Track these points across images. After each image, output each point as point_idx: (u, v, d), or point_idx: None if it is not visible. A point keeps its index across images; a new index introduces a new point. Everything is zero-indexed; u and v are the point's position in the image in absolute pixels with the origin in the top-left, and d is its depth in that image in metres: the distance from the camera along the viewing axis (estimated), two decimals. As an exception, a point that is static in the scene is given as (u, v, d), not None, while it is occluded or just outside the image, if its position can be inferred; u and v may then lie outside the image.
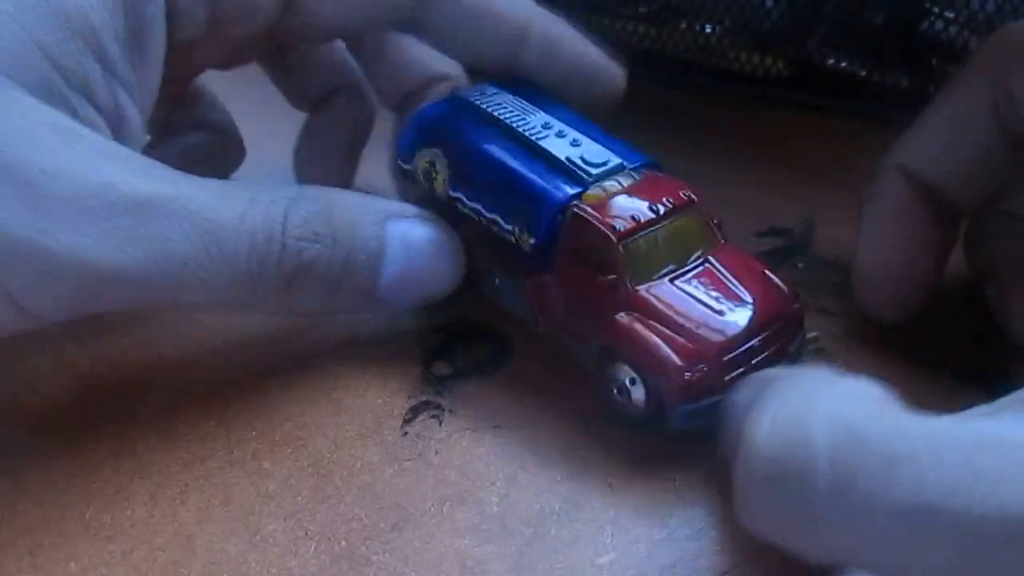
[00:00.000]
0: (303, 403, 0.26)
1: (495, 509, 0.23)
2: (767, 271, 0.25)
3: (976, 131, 0.26)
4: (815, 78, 0.42)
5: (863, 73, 0.41)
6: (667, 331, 0.23)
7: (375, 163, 0.33)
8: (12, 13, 0.22)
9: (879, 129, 0.27)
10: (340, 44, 0.34)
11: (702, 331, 0.23)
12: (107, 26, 0.23)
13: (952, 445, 0.16)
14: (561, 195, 0.25)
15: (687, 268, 0.24)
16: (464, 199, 0.26)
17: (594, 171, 0.25)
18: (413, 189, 0.28)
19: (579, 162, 0.25)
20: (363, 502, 0.23)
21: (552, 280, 0.25)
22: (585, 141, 0.26)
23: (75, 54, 0.23)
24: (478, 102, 0.27)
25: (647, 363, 0.23)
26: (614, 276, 0.24)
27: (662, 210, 0.25)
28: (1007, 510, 0.14)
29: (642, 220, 0.24)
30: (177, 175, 0.23)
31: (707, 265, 0.25)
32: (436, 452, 0.24)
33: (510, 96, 0.28)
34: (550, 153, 0.26)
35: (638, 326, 0.23)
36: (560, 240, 0.25)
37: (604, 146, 0.26)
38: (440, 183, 0.27)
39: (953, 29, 0.38)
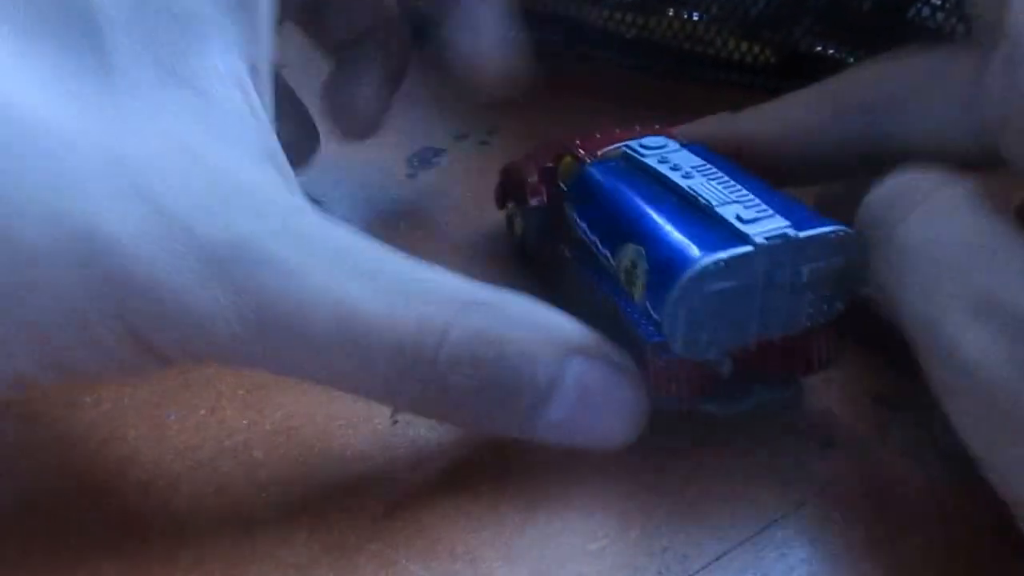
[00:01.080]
0: (294, 392, 0.26)
1: (487, 496, 0.23)
2: None
3: None
4: (802, 66, 0.42)
5: (851, 60, 0.41)
6: None
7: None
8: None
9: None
10: None
11: None
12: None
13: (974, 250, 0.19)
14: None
15: None
16: None
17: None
18: None
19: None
20: (355, 491, 0.23)
21: None
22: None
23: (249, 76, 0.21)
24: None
25: None
26: None
27: None
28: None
29: None
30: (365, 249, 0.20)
31: None
32: (427, 440, 0.24)
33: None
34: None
35: None
36: None
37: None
38: None
39: (940, 16, 0.38)
